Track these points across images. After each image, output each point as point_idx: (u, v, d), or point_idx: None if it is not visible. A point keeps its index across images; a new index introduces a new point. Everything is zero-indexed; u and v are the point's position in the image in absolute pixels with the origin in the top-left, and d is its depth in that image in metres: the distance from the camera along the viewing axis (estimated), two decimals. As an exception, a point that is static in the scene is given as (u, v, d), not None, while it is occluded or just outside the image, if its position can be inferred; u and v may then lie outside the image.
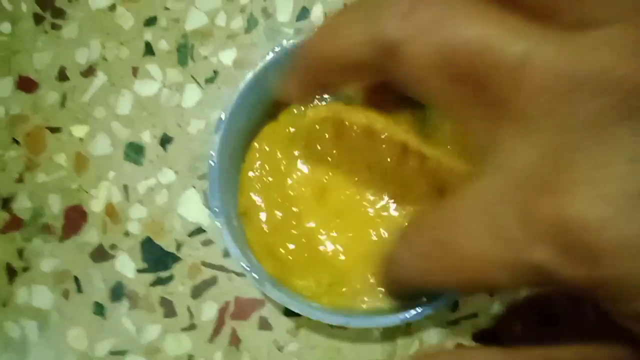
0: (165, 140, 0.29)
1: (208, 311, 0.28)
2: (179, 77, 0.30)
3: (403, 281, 0.17)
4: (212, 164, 0.23)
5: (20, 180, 0.29)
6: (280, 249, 0.25)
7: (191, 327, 0.27)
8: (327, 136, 0.26)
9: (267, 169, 0.26)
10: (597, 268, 0.12)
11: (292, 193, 0.26)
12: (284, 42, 0.24)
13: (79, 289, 0.28)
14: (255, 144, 0.26)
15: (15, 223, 0.29)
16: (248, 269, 0.23)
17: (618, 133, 0.12)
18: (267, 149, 0.26)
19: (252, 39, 0.30)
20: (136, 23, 0.31)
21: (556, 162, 0.13)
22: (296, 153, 0.26)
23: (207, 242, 0.28)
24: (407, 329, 0.27)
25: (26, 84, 0.30)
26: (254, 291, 0.28)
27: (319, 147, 0.26)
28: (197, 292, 0.28)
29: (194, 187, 0.29)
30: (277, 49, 0.24)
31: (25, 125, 0.30)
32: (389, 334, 0.27)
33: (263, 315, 0.27)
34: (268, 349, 0.27)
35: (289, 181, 0.26)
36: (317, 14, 0.30)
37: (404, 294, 0.20)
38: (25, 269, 0.28)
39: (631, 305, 0.12)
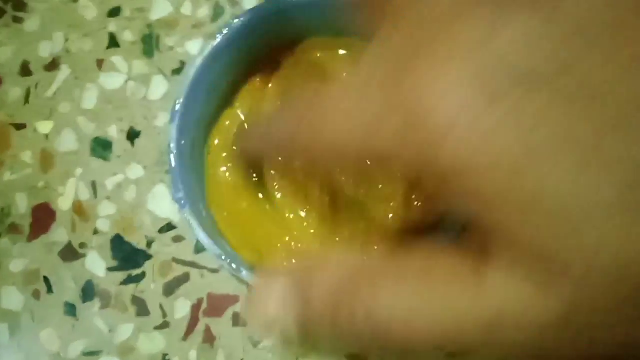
0: (132, 135, 0.29)
1: (181, 309, 0.27)
2: (145, 69, 0.29)
3: (260, 148, 0.18)
4: (172, 154, 0.23)
5: (-15, 179, 0.29)
6: (256, 236, 0.25)
7: (164, 325, 0.27)
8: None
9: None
10: (424, 149, 0.11)
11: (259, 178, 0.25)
12: (232, 21, 0.23)
13: (50, 290, 0.28)
14: (215, 131, 0.25)
15: (-18, 224, 0.28)
16: (223, 257, 0.22)
17: (474, 18, 0.11)
18: (228, 135, 0.25)
19: (218, 28, 0.29)
20: (99, 14, 0.30)
21: (422, 40, 0.12)
22: None
23: (178, 239, 0.28)
24: (383, 322, 0.27)
25: (-12, 80, 0.30)
26: (227, 287, 0.27)
27: None
28: (170, 289, 0.27)
29: (163, 182, 0.28)
30: (225, 31, 0.23)
31: (-12, 123, 0.29)
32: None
33: (237, 311, 0.27)
34: (243, 345, 0.27)
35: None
36: None
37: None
38: (-6, 271, 0.28)
39: (461, 193, 0.12)
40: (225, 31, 0.23)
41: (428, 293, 0.13)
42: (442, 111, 0.11)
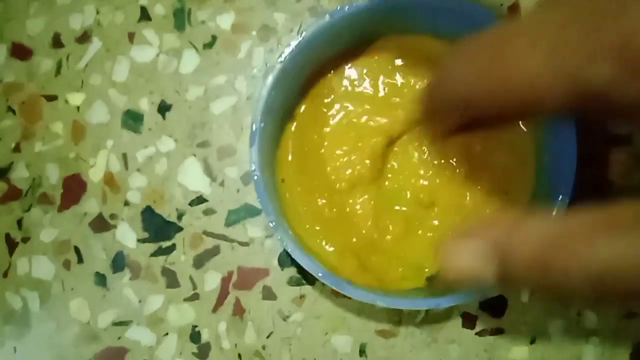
0: (163, 108, 0.29)
1: (211, 281, 0.27)
2: (176, 43, 0.29)
3: (450, 91, 0.17)
4: (255, 177, 0.22)
5: (17, 149, 0.29)
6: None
7: (194, 297, 0.27)
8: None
9: (305, 138, 0.25)
10: None
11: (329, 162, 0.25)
12: (300, 36, 0.22)
13: (80, 260, 0.28)
14: (282, 143, 0.25)
15: (14, 193, 0.28)
16: (320, 275, 0.22)
17: None
18: (291, 146, 0.25)
19: (250, 2, 0.29)
20: (131, -14, 0.30)
21: None
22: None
23: (209, 211, 0.28)
24: (413, 298, 0.27)
25: (20, 52, 0.30)
26: (258, 260, 0.27)
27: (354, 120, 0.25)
28: (200, 261, 0.27)
29: (194, 155, 0.28)
30: (292, 46, 0.22)
31: (20, 94, 0.29)
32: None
33: (267, 285, 0.27)
34: (272, 318, 0.27)
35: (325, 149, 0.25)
36: (318, -27, 0.29)
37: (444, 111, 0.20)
38: (25, 240, 0.28)
39: None
40: (293, 47, 0.22)
41: None
42: None
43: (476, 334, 0.26)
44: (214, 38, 0.29)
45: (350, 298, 0.27)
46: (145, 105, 0.29)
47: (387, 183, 0.25)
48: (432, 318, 0.27)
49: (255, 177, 0.22)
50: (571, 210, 0.15)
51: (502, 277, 0.15)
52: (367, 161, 0.24)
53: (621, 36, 0.12)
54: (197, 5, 0.29)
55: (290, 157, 0.25)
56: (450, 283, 0.17)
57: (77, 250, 0.28)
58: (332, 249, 0.24)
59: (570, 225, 0.14)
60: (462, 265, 0.16)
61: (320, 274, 0.22)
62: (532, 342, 0.26)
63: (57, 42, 0.30)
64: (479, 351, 0.26)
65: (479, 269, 0.15)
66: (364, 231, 0.24)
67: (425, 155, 0.24)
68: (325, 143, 0.25)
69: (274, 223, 0.22)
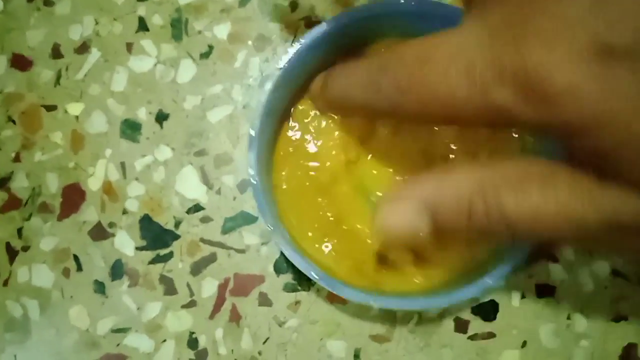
0: (161, 117, 0.29)
1: (208, 288, 0.28)
2: (173, 53, 0.29)
3: (360, 90, 0.19)
4: (255, 182, 0.23)
5: (17, 159, 0.29)
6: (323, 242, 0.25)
7: (191, 304, 0.28)
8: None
9: (298, 140, 0.26)
10: (547, 108, 0.14)
11: (321, 164, 0.25)
12: (299, 45, 0.23)
13: (79, 268, 0.28)
14: (279, 145, 0.25)
15: (14, 202, 0.29)
16: (313, 274, 0.22)
17: None
18: (286, 148, 0.26)
19: (246, 12, 0.29)
20: (129, -2, 0.30)
21: (526, 16, 0.14)
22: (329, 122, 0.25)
23: (206, 219, 0.28)
24: (406, 303, 0.27)
25: (20, 62, 0.30)
26: (253, 267, 0.28)
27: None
28: (197, 269, 0.28)
29: (191, 164, 0.28)
30: (291, 54, 0.23)
31: (20, 104, 0.30)
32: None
33: (263, 291, 0.27)
34: (268, 324, 0.27)
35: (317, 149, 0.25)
36: (312, -15, 0.29)
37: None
38: (25, 248, 0.28)
39: (582, 142, 0.14)
40: (292, 54, 0.23)
41: (554, 192, 0.15)
42: (559, 77, 0.13)
43: (468, 338, 0.27)
44: (210, 48, 0.30)
45: (345, 303, 0.27)
46: (143, 115, 0.29)
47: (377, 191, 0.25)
48: (425, 323, 0.27)
49: (254, 182, 0.23)
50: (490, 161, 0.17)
51: (436, 230, 0.17)
52: (345, 152, 0.25)
53: (518, 64, 0.14)
54: (194, 15, 0.30)
55: (285, 161, 0.25)
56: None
57: (76, 259, 0.28)
58: (327, 252, 0.25)
59: (485, 178, 0.16)
60: (397, 225, 0.17)
61: (316, 276, 0.22)
62: (523, 345, 0.27)
63: (56, 53, 0.30)
64: (471, 355, 0.27)
65: (414, 227, 0.17)
66: (359, 235, 0.25)
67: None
68: (315, 142, 0.25)
69: (271, 227, 0.22)
